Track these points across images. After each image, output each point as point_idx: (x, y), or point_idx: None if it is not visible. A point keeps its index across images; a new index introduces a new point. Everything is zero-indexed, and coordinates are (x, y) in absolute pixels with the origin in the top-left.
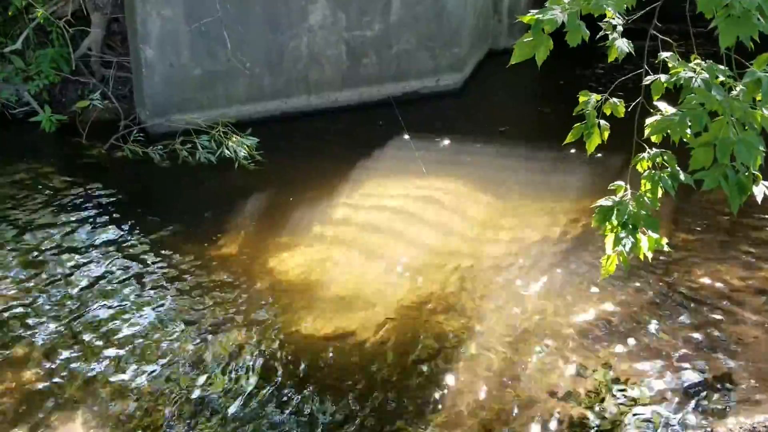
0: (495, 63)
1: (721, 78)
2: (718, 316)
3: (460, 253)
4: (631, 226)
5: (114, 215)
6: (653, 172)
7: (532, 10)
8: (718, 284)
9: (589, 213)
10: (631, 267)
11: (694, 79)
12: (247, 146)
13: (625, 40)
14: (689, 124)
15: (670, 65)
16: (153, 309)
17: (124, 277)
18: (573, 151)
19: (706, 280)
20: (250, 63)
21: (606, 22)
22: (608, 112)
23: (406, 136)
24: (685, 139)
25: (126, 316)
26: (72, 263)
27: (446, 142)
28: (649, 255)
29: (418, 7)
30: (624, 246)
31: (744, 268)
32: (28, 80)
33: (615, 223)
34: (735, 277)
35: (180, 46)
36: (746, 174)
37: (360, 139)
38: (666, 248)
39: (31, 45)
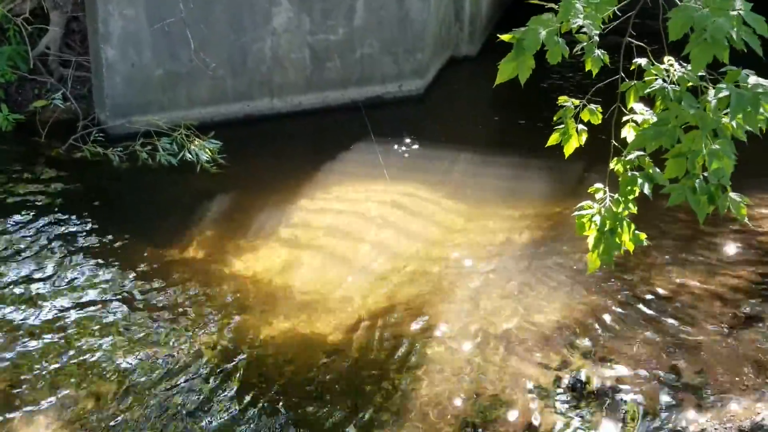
0: (456, 69)
1: (691, 83)
2: (678, 319)
3: (425, 257)
4: (610, 230)
5: (71, 215)
6: (631, 173)
7: (511, 26)
8: (678, 288)
9: (554, 217)
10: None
11: (666, 90)
12: (210, 150)
13: (600, 51)
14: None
15: (644, 70)
16: (113, 313)
17: (80, 280)
18: (534, 157)
19: (666, 285)
20: (213, 65)
21: (582, 33)
22: (586, 119)
23: (371, 140)
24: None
25: (84, 321)
26: (26, 265)
27: (410, 147)
28: (630, 248)
29: (382, 12)
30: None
31: (702, 273)
32: None
33: (596, 227)
34: (693, 281)
35: (142, 46)
36: (716, 185)
37: (324, 142)
38: (645, 243)
39: None
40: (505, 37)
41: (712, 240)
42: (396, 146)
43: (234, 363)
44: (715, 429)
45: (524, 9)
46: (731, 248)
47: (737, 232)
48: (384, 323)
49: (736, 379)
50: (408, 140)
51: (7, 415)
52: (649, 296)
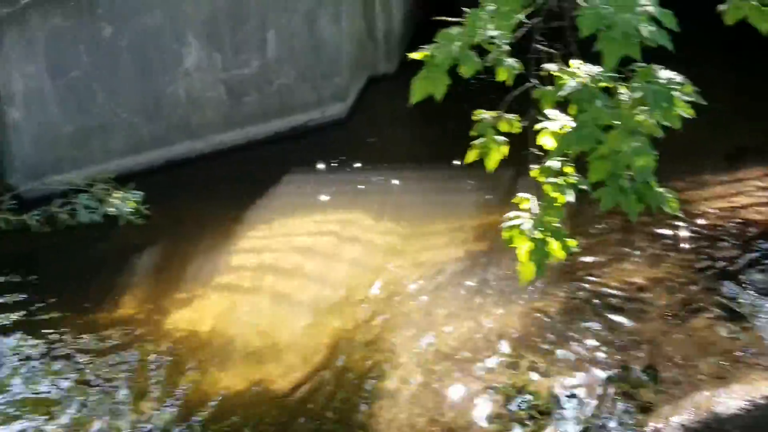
0: (377, 89)
1: (604, 84)
2: (627, 315)
3: (370, 285)
4: (540, 240)
5: None
6: (555, 180)
7: (430, 43)
8: (622, 283)
9: (491, 226)
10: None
11: (580, 92)
12: (133, 201)
13: (512, 59)
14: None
15: (556, 76)
16: (44, 387)
17: (7, 356)
18: (463, 168)
19: (610, 281)
20: (126, 113)
21: (492, 44)
22: (504, 129)
23: (299, 171)
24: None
25: (11, 398)
26: None
27: (339, 173)
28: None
29: (295, 41)
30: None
31: (644, 265)
32: None
33: (525, 236)
34: (637, 274)
35: (47, 103)
36: (643, 183)
37: (251, 179)
38: (576, 249)
39: None
40: (415, 55)
41: (651, 230)
42: (325, 174)
43: (181, 426)
44: (673, 423)
45: (436, 24)
46: (670, 235)
47: (675, 218)
48: (337, 360)
49: (690, 370)
50: (337, 166)
51: None
52: (596, 294)
